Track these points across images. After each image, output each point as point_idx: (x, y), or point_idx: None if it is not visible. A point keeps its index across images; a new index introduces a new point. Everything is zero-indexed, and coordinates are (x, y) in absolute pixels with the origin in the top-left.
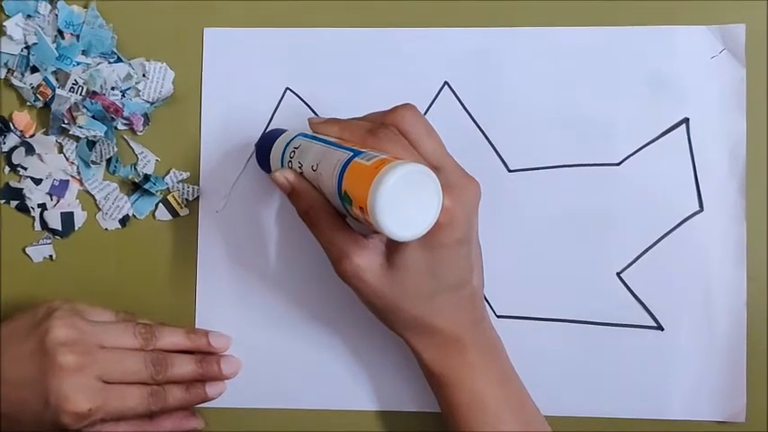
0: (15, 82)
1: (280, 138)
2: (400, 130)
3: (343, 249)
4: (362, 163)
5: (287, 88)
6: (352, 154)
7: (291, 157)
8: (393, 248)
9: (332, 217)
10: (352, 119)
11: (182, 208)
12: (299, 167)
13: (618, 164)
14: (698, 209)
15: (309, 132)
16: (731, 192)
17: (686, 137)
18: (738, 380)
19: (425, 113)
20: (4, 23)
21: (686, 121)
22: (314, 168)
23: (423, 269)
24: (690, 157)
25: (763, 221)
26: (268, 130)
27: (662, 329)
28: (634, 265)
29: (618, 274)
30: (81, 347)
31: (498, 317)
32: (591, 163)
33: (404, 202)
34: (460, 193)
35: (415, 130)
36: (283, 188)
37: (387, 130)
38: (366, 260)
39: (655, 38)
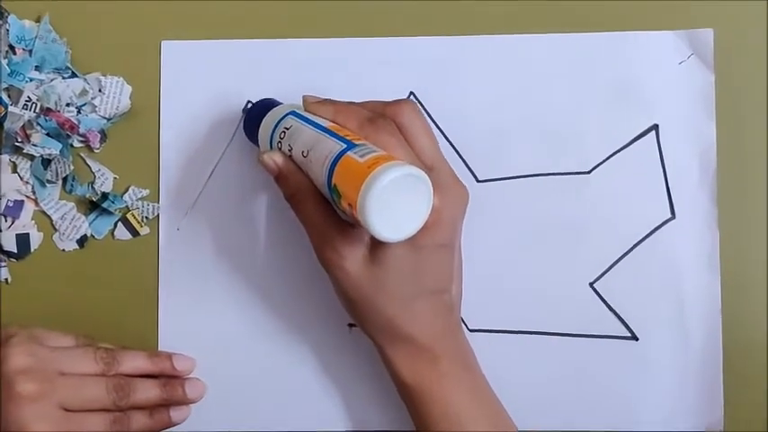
0: None
1: (270, 113)
2: (398, 123)
3: (326, 235)
4: (355, 159)
5: (248, 101)
6: (345, 146)
7: (281, 138)
8: (378, 244)
9: (318, 203)
10: (350, 103)
11: (142, 226)
12: (289, 150)
13: (588, 172)
14: (670, 216)
15: (301, 111)
16: (703, 198)
17: (656, 143)
18: (715, 389)
19: None
20: None
21: (656, 127)
22: (304, 154)
23: (404, 269)
24: (660, 163)
25: (735, 227)
26: (260, 99)
27: (636, 339)
28: (607, 274)
29: (591, 284)
30: (40, 375)
31: (471, 331)
32: (561, 172)
33: (394, 204)
34: (450, 196)
35: (413, 126)
36: (270, 171)
37: (385, 122)
38: (349, 249)
39: (622, 44)
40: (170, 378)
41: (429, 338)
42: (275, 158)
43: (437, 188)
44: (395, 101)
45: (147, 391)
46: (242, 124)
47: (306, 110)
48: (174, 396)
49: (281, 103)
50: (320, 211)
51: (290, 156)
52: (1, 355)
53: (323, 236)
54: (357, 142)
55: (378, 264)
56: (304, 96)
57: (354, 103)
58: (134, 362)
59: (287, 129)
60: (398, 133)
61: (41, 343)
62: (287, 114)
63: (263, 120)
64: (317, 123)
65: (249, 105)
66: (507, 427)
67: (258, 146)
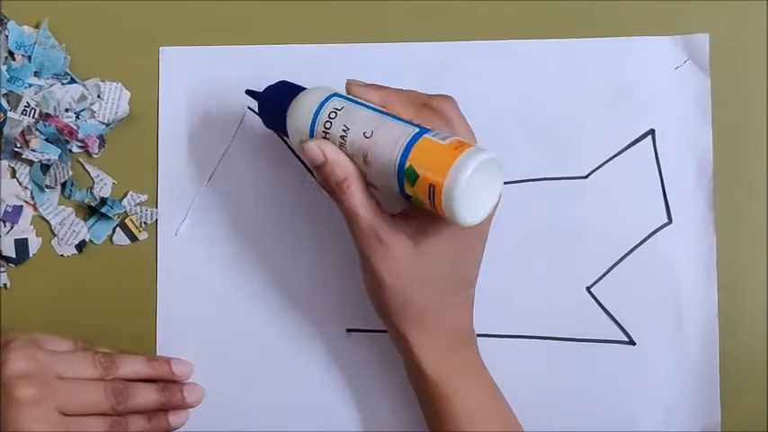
0: None
1: (303, 94)
2: (443, 115)
3: (372, 226)
4: (437, 141)
5: (247, 107)
6: (419, 129)
7: (332, 118)
8: (423, 233)
9: (366, 191)
10: (396, 89)
11: (140, 231)
12: (344, 130)
13: (585, 177)
14: (666, 221)
15: (343, 94)
16: (699, 203)
17: (652, 148)
18: (712, 393)
19: None
20: None
21: (652, 132)
22: (366, 135)
23: (446, 260)
24: (657, 168)
25: (732, 232)
26: (276, 82)
27: (633, 344)
28: (604, 279)
29: (588, 288)
30: (39, 379)
31: None
32: (557, 176)
33: (475, 188)
34: None
35: (456, 119)
36: (315, 160)
37: (435, 111)
38: (396, 239)
39: (618, 49)
40: (168, 382)
41: (461, 330)
42: (323, 147)
43: None
44: (438, 94)
45: (146, 396)
46: (244, 114)
47: (350, 94)
48: (172, 400)
49: (300, 86)
50: (368, 199)
51: (345, 136)
52: (0, 359)
53: (369, 226)
54: (426, 126)
55: (421, 254)
56: (348, 81)
57: (400, 89)
58: (133, 366)
59: (338, 109)
60: (451, 123)
61: (40, 347)
62: (331, 96)
63: (295, 102)
64: (370, 106)
65: (263, 89)
66: (517, 427)
67: (275, 128)
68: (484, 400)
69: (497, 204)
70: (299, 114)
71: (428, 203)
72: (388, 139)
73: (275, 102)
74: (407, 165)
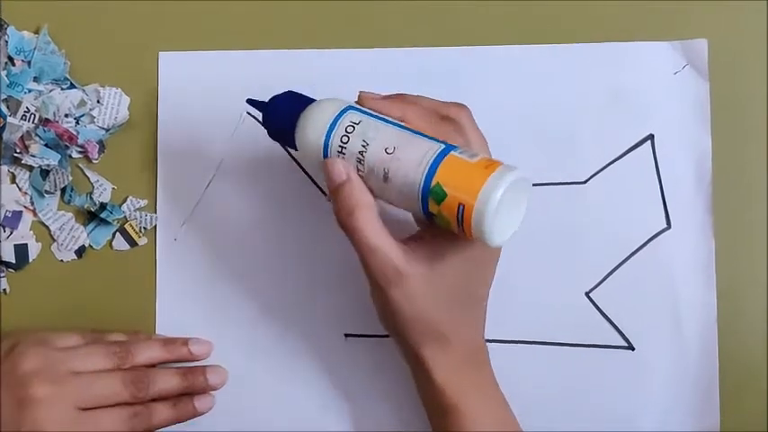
0: None
1: (318, 107)
2: (458, 126)
3: (388, 255)
4: (464, 159)
5: (246, 112)
6: (444, 146)
7: (349, 133)
8: (438, 257)
9: (378, 220)
10: (411, 98)
11: (140, 237)
12: (363, 146)
13: (584, 182)
14: (665, 226)
15: (354, 104)
16: (698, 208)
17: (651, 153)
18: (711, 398)
19: None
20: None
21: (651, 137)
22: (389, 151)
23: (462, 279)
24: (656, 173)
25: (731, 237)
26: (282, 92)
27: (632, 349)
28: (603, 284)
29: (587, 293)
30: (52, 376)
31: None
32: (557, 182)
33: (506, 209)
34: None
35: (471, 129)
36: (336, 179)
37: (453, 123)
38: (412, 267)
39: (617, 54)
40: (190, 366)
41: (475, 344)
42: (346, 168)
43: None
44: (452, 102)
45: (167, 381)
46: (243, 119)
47: (365, 107)
48: (195, 384)
49: (309, 97)
50: (383, 229)
51: (364, 152)
52: (11, 361)
53: (385, 257)
54: (452, 144)
55: (436, 278)
56: (361, 94)
57: (415, 98)
58: (149, 352)
59: (355, 123)
60: (464, 135)
61: (50, 345)
62: (347, 109)
63: (306, 113)
64: (390, 120)
65: (269, 99)
66: None
67: (281, 140)
68: (495, 418)
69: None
70: (312, 128)
71: (454, 223)
72: (412, 156)
73: (282, 113)
74: (434, 183)
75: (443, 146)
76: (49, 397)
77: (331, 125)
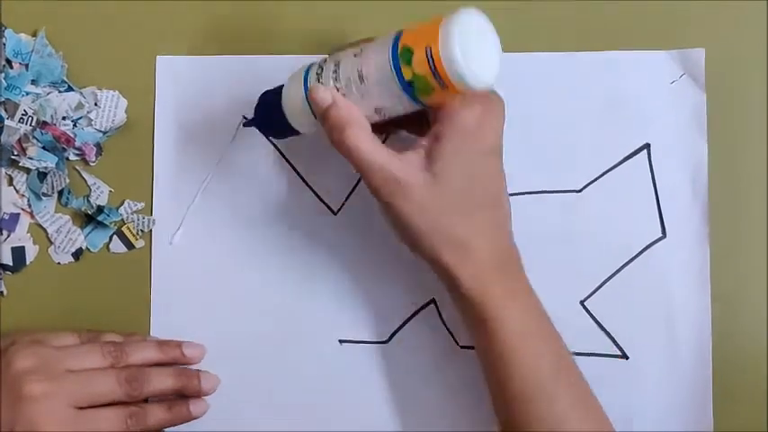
0: None
1: (289, 80)
2: None
3: (385, 168)
4: (418, 24)
5: (243, 117)
6: (399, 30)
7: (319, 73)
8: (434, 158)
9: (372, 134)
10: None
11: (137, 239)
12: (336, 65)
13: (579, 190)
14: (660, 235)
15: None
16: (694, 217)
17: (647, 162)
18: (705, 407)
19: (384, 142)
20: None
21: (647, 146)
22: (356, 54)
23: (463, 178)
24: (651, 182)
25: (726, 246)
26: (258, 99)
27: (627, 358)
28: (597, 293)
29: (581, 302)
30: (47, 374)
31: (461, 347)
32: (552, 190)
33: (470, 49)
34: (492, 102)
35: None
36: (322, 103)
37: None
38: (411, 175)
39: (614, 63)
40: (184, 367)
41: (497, 251)
42: (330, 91)
43: (476, 98)
44: None
45: (162, 381)
46: (240, 123)
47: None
48: (189, 386)
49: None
50: (376, 143)
51: (337, 71)
52: (5, 360)
53: (383, 170)
54: None
55: (438, 181)
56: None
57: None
58: (143, 353)
59: (321, 64)
60: None
61: (45, 344)
62: (310, 65)
63: (283, 92)
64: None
65: (254, 112)
66: (564, 349)
67: (281, 131)
68: (529, 326)
69: (503, 113)
70: (292, 94)
71: (431, 74)
72: (377, 47)
73: (269, 107)
74: (401, 48)
75: (398, 30)
76: (44, 395)
77: (305, 77)
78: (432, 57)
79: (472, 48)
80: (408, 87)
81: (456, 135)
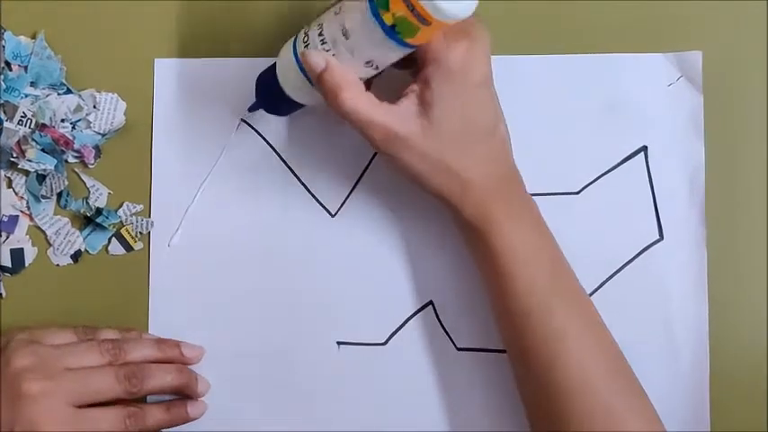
0: None
1: (280, 52)
2: None
3: (385, 124)
4: None
5: (241, 119)
6: None
7: (306, 41)
8: (427, 104)
9: (364, 93)
10: None
11: (135, 242)
12: (319, 27)
13: (577, 193)
14: (658, 237)
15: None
16: (691, 220)
17: (645, 165)
18: (702, 409)
19: (370, 86)
20: None
21: (645, 149)
22: (336, 12)
23: (457, 116)
24: (649, 185)
25: (723, 249)
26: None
27: None
28: (594, 295)
29: None
30: (45, 372)
31: (459, 350)
32: (550, 192)
33: None
34: (475, 36)
35: None
36: (316, 68)
37: None
38: (409, 127)
39: (611, 66)
40: (184, 367)
41: (492, 180)
42: (323, 54)
43: (461, 32)
44: None
45: (161, 378)
46: (238, 125)
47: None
48: (189, 383)
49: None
50: (371, 100)
51: (321, 32)
52: (2, 359)
53: (384, 126)
54: None
55: (435, 124)
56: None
57: None
58: (142, 350)
59: (306, 32)
60: None
61: (42, 342)
62: (296, 36)
63: (278, 64)
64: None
65: (256, 93)
66: (565, 265)
67: (283, 105)
68: (528, 237)
69: (487, 44)
70: (285, 68)
71: (410, 14)
72: (354, 1)
73: (267, 86)
74: None
75: None
76: (43, 393)
77: (293, 47)
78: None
79: None
80: (392, 32)
81: (445, 77)
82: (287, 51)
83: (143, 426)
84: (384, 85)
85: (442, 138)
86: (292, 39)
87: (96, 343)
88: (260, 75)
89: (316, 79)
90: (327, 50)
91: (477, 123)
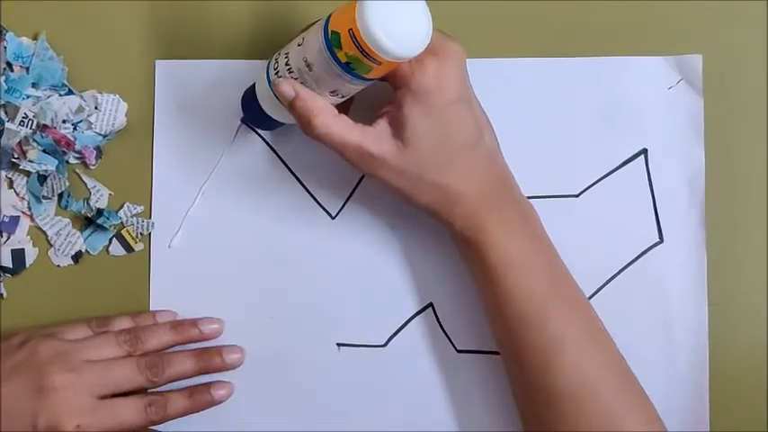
0: None
1: (258, 74)
2: None
3: (360, 146)
4: (341, 5)
5: (242, 121)
6: (330, 13)
7: (276, 68)
8: (400, 126)
9: (337, 117)
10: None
11: (136, 242)
12: (286, 59)
13: (577, 195)
14: (657, 240)
15: None
16: (691, 223)
17: (645, 168)
18: (701, 411)
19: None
20: None
21: (645, 152)
22: (299, 44)
23: (432, 135)
24: (649, 188)
25: (723, 251)
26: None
27: None
28: (594, 297)
29: None
30: (68, 365)
31: (459, 351)
32: (549, 195)
33: (393, 18)
34: (445, 55)
35: None
36: (287, 95)
37: None
38: (382, 146)
39: (612, 69)
40: (205, 347)
41: (480, 193)
42: (293, 84)
43: (430, 53)
44: None
45: (182, 364)
46: (239, 127)
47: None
48: (211, 364)
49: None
50: (344, 122)
51: (288, 62)
52: (25, 352)
53: (358, 148)
54: None
55: (408, 144)
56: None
57: None
58: (159, 337)
59: (276, 59)
60: None
61: (60, 337)
62: (269, 61)
63: (257, 85)
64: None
65: (242, 107)
66: (562, 271)
67: (262, 128)
68: (521, 247)
69: (460, 60)
70: (262, 89)
71: (361, 55)
72: (313, 32)
73: (250, 102)
74: (330, 33)
75: (330, 12)
76: (67, 385)
77: (267, 70)
78: (356, 38)
79: (394, 19)
80: (347, 68)
81: (415, 99)
82: (262, 76)
83: (165, 413)
84: (366, 104)
85: (419, 156)
86: (266, 63)
87: (113, 335)
88: (244, 93)
89: (287, 107)
90: (296, 78)
91: (455, 139)
